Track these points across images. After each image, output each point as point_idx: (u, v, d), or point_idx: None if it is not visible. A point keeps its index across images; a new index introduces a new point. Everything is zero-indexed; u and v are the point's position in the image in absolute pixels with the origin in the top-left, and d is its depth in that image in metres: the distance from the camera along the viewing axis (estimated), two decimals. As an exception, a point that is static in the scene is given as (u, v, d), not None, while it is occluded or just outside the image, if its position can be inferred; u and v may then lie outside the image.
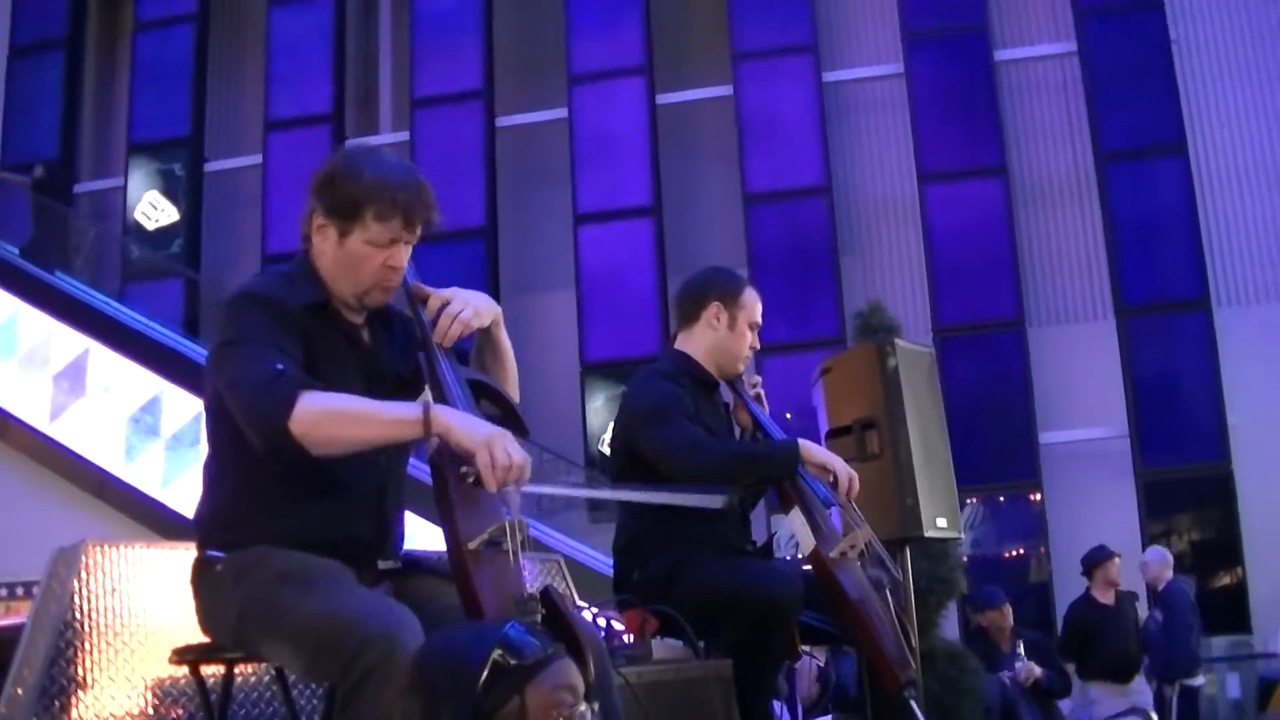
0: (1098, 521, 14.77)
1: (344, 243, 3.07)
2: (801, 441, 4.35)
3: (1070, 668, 9.43)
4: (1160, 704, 9.75)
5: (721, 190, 17.43)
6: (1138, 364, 15.88)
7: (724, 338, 4.53)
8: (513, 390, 3.33)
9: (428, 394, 3.04)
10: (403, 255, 3.11)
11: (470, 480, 2.84)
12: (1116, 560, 9.86)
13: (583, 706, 1.97)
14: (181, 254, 18.59)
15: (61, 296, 15.08)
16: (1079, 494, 15.43)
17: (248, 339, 2.95)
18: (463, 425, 2.86)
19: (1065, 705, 9.17)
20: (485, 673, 1.92)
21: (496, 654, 1.93)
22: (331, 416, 2.87)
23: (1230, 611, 14.92)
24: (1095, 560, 9.81)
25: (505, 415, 3.24)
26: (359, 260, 3.07)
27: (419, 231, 3.12)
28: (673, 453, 4.21)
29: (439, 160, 16.52)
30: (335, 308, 3.15)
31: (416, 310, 3.20)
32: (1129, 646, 9.59)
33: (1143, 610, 11.12)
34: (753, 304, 4.57)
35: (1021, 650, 8.83)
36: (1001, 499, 16.03)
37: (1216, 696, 14.10)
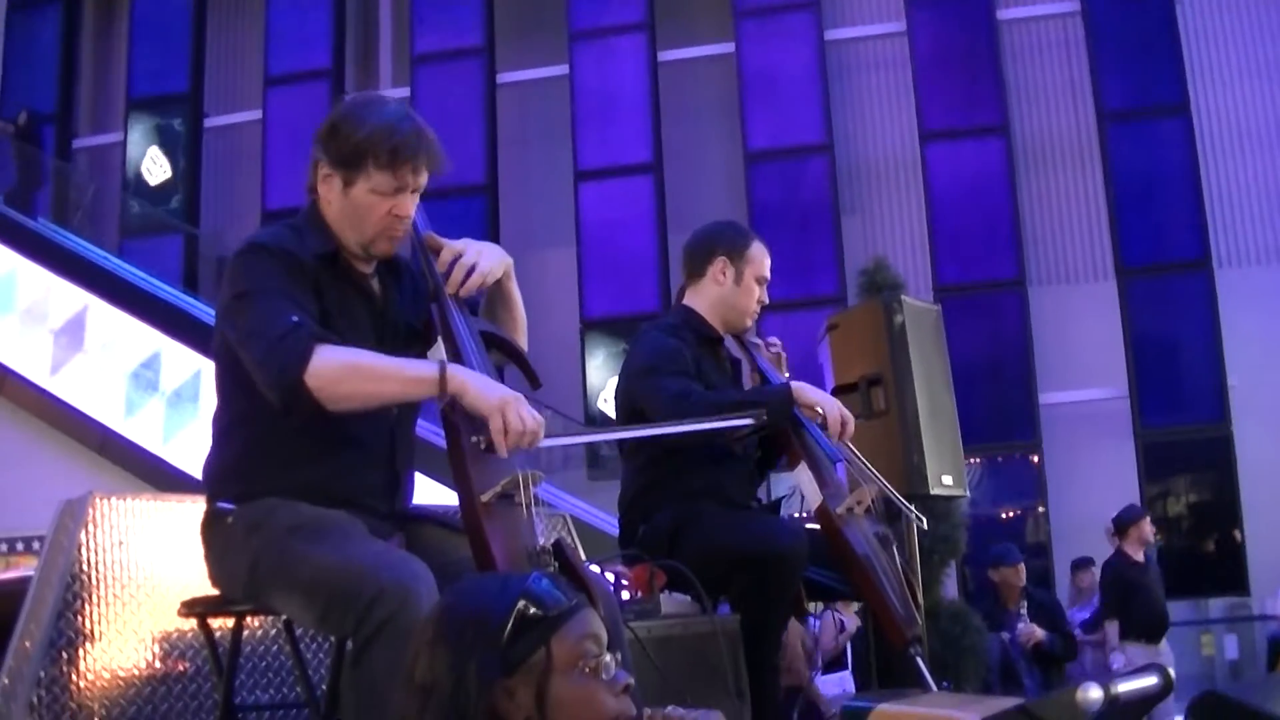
0: (1097, 482, 14.79)
1: (349, 192, 3.05)
2: (795, 384, 4.32)
3: (1114, 627, 9.36)
4: None
5: (722, 148, 17.39)
6: (1138, 325, 15.88)
7: (729, 293, 4.50)
8: (522, 342, 3.33)
9: (440, 347, 3.03)
10: (408, 204, 3.08)
11: (482, 447, 2.82)
12: (1149, 518, 9.85)
13: (608, 656, 1.97)
14: (181, 210, 18.55)
15: (61, 251, 15.05)
16: (1078, 454, 15.44)
17: (260, 290, 2.93)
18: (478, 387, 2.85)
19: (1116, 662, 9.08)
20: (511, 624, 1.91)
21: (521, 605, 1.93)
22: (348, 371, 2.85)
23: (1228, 573, 14.96)
24: (1129, 518, 9.75)
25: (517, 366, 3.24)
26: (364, 209, 3.05)
27: (424, 180, 3.10)
28: (661, 404, 4.19)
29: (439, 117, 16.29)
30: (345, 258, 3.13)
31: (429, 261, 3.18)
32: (1163, 605, 9.57)
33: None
34: (760, 258, 4.53)
35: (1025, 611, 8.82)
36: (1000, 459, 16.04)
37: (1214, 657, 14.16)
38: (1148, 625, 9.40)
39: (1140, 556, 9.64)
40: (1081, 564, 11.40)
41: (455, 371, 2.87)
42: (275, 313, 2.87)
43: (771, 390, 4.37)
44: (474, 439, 2.84)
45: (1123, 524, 9.77)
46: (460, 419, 2.88)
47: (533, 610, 1.93)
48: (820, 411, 4.25)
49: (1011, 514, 16.05)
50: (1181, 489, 15.87)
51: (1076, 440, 15.56)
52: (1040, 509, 15.72)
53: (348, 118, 3.08)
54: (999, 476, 16.05)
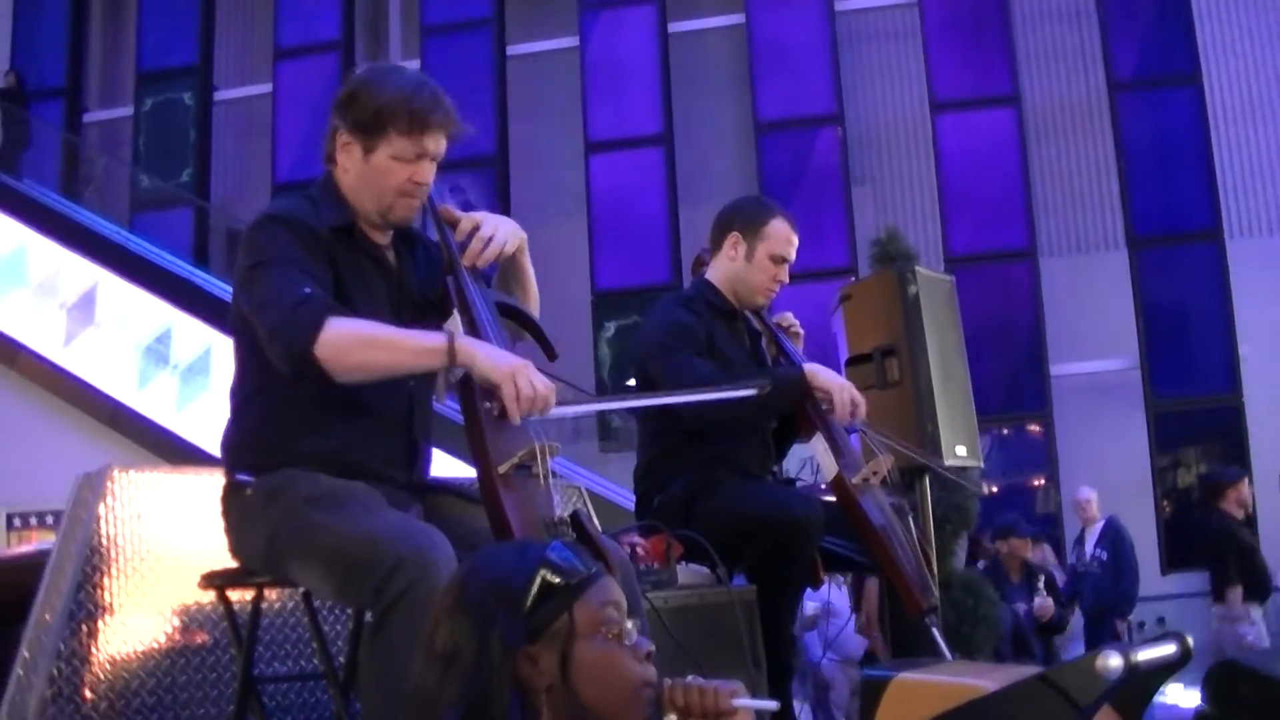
0: (1108, 453, 14.79)
1: (369, 159, 3.07)
2: (808, 366, 4.29)
3: (1237, 594, 8.97)
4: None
5: (732, 119, 17.34)
6: (1149, 295, 15.83)
7: (741, 268, 4.47)
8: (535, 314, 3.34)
9: (456, 319, 3.03)
10: (427, 171, 3.10)
11: (495, 414, 2.84)
12: (1246, 479, 9.66)
13: (629, 623, 1.98)
14: (191, 184, 18.53)
15: (71, 226, 15.07)
16: (1089, 425, 15.42)
17: (274, 261, 2.94)
18: (487, 356, 2.86)
19: (1249, 634, 8.80)
20: (534, 591, 1.92)
21: (543, 572, 1.94)
22: (358, 343, 2.86)
23: (1239, 543, 14.95)
24: (1228, 480, 9.51)
25: (533, 337, 3.25)
26: (385, 176, 3.06)
27: (444, 147, 3.11)
28: (675, 383, 4.18)
29: (448, 89, 16.17)
30: (361, 229, 3.13)
31: (444, 233, 3.19)
32: (1267, 567, 9.38)
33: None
34: (777, 235, 4.47)
35: (1043, 585, 8.83)
36: (1011, 430, 16.03)
37: (1225, 628, 14.15)
38: (1264, 586, 9.21)
39: (1242, 518, 9.40)
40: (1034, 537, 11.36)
41: (464, 342, 2.88)
42: (288, 283, 2.88)
43: (784, 373, 4.34)
44: (487, 405, 2.85)
45: (1220, 486, 9.45)
46: (476, 387, 2.89)
47: (554, 578, 1.94)
48: (829, 394, 4.24)
49: (1021, 485, 16.03)
50: (1192, 460, 15.85)
51: (1087, 411, 15.54)
52: (1050, 480, 15.71)
53: (366, 85, 3.10)
54: (1009, 447, 16.03)
